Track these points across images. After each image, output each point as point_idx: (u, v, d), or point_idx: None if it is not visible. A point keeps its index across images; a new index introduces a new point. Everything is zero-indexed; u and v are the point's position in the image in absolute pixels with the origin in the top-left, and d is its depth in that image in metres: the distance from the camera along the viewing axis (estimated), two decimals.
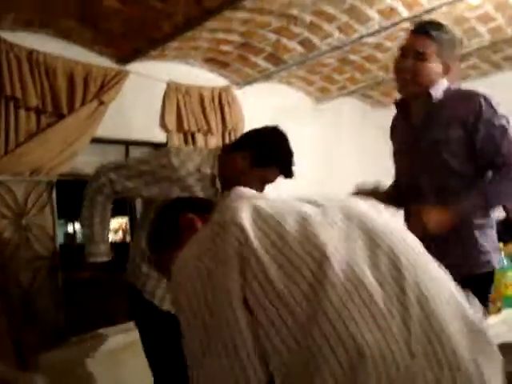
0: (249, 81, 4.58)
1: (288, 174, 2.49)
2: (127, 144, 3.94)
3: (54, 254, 3.39)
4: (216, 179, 2.45)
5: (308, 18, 3.64)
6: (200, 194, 2.40)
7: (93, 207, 2.55)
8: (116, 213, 5.81)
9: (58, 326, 3.37)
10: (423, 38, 2.17)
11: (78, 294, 4.24)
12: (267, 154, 2.42)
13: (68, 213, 4.64)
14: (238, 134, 4.48)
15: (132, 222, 4.25)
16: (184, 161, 2.42)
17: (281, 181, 4.62)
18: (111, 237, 8.03)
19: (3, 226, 3.11)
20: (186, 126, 4.03)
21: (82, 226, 2.64)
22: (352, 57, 4.50)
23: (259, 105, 4.72)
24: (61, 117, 3.36)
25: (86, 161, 3.67)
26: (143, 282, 2.51)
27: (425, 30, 2.18)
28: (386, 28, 3.82)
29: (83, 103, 3.44)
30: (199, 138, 4.16)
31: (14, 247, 3.15)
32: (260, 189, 2.34)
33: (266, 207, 1.18)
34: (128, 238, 7.06)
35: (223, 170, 2.47)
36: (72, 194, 4.04)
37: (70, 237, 8.20)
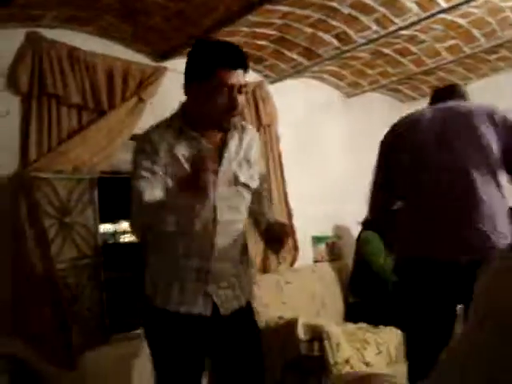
0: (282, 76, 4.55)
1: (235, 61, 1.98)
2: None
3: (97, 253, 3.37)
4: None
5: (346, 10, 3.61)
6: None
7: None
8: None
9: (101, 325, 3.35)
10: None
11: (120, 293, 4.22)
12: (199, 65, 2.00)
13: (109, 212, 4.61)
14: (273, 130, 4.46)
15: None
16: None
17: (309, 174, 4.60)
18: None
19: (48, 224, 3.08)
20: None
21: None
22: (385, 50, 4.45)
23: (291, 100, 4.70)
24: (101, 113, 3.35)
25: (126, 158, 3.65)
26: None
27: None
28: (423, 19, 3.77)
29: (123, 100, 3.43)
30: None
31: (58, 247, 3.13)
32: (230, 100, 1.96)
33: None
34: None
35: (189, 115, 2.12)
36: (113, 193, 4.03)
37: (112, 235, 8.18)
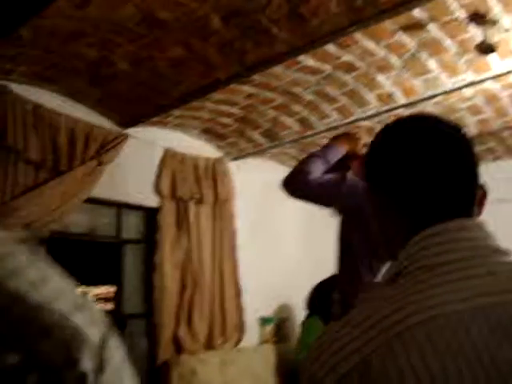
0: (242, 155, 4.64)
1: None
2: (120, 206, 3.90)
3: None
4: None
5: (309, 97, 3.76)
6: None
7: None
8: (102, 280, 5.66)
9: None
10: None
11: None
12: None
13: None
14: (229, 206, 4.49)
15: (121, 290, 4.00)
16: None
17: (262, 253, 4.60)
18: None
19: None
20: (179, 194, 4.04)
21: None
22: None
23: (250, 178, 4.77)
24: (59, 173, 3.33)
25: (76, 220, 3.62)
26: None
27: None
28: (382, 112, 3.95)
29: (82, 162, 3.43)
30: (191, 206, 4.15)
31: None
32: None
33: None
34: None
35: None
36: (63, 257, 3.94)
37: None
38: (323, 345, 0.77)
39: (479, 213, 0.88)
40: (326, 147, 2.43)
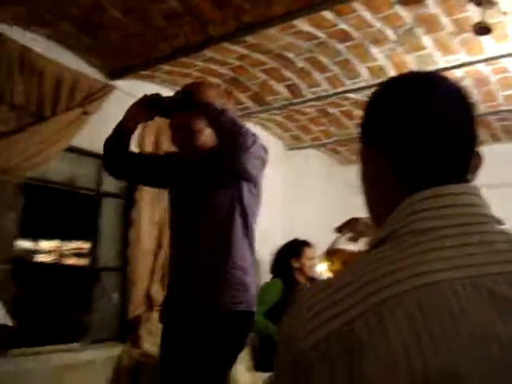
0: None
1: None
2: (101, 158, 3.85)
3: (11, 262, 3.23)
4: None
5: (301, 64, 3.72)
6: None
7: None
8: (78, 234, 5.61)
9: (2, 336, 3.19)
10: None
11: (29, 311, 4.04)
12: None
13: (32, 227, 4.42)
14: None
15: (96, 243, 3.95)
16: None
17: None
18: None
19: None
20: (164, 150, 3.99)
21: None
22: (331, 110, 4.60)
23: None
24: (42, 119, 3.27)
25: (56, 169, 3.58)
26: None
27: None
28: (372, 86, 3.93)
29: (68, 109, 3.37)
30: None
31: None
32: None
33: None
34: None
35: None
36: (38, 206, 3.90)
37: (30, 253, 7.80)
38: (302, 306, 0.75)
39: (473, 178, 0.86)
40: None
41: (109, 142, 2.44)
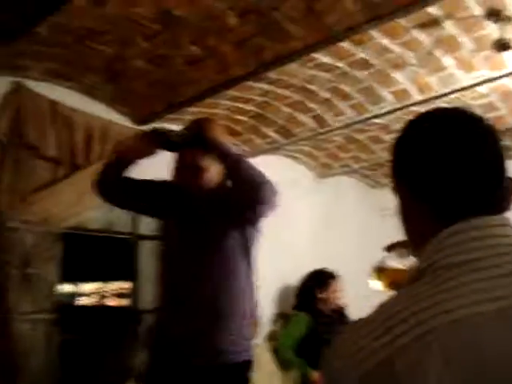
0: (257, 151, 4.65)
1: None
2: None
3: (55, 310, 3.30)
4: None
5: (324, 94, 3.76)
6: None
7: None
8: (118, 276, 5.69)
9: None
10: None
11: (75, 356, 4.09)
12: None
13: (71, 272, 4.50)
14: None
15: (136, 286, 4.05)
16: None
17: (276, 250, 4.63)
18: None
19: (10, 273, 3.03)
20: None
21: None
22: (358, 136, 4.62)
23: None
24: (76, 169, 3.36)
25: (93, 216, 3.65)
26: None
27: None
28: (397, 109, 3.94)
29: (100, 158, 3.45)
30: None
31: (16, 296, 3.07)
32: None
33: None
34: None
35: None
36: (78, 252, 3.98)
37: (71, 296, 7.94)
38: (347, 341, 0.78)
39: (509, 207, 0.87)
40: None
41: (107, 166, 2.44)
